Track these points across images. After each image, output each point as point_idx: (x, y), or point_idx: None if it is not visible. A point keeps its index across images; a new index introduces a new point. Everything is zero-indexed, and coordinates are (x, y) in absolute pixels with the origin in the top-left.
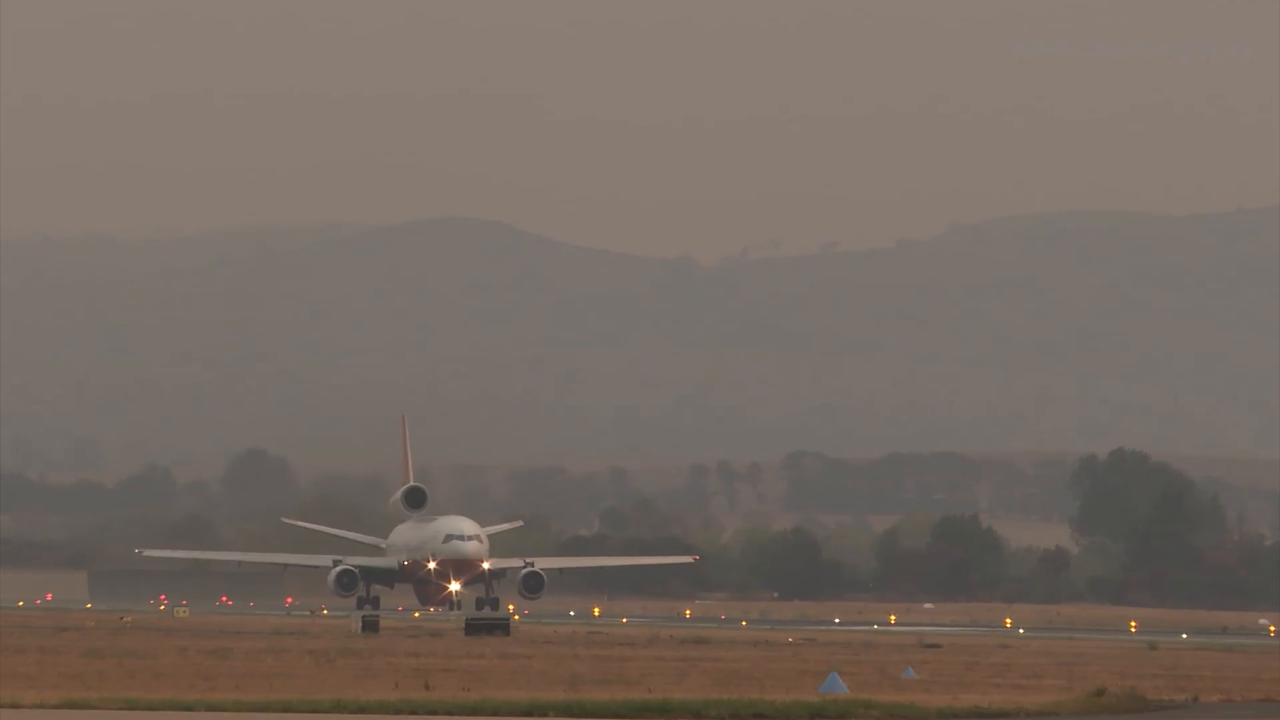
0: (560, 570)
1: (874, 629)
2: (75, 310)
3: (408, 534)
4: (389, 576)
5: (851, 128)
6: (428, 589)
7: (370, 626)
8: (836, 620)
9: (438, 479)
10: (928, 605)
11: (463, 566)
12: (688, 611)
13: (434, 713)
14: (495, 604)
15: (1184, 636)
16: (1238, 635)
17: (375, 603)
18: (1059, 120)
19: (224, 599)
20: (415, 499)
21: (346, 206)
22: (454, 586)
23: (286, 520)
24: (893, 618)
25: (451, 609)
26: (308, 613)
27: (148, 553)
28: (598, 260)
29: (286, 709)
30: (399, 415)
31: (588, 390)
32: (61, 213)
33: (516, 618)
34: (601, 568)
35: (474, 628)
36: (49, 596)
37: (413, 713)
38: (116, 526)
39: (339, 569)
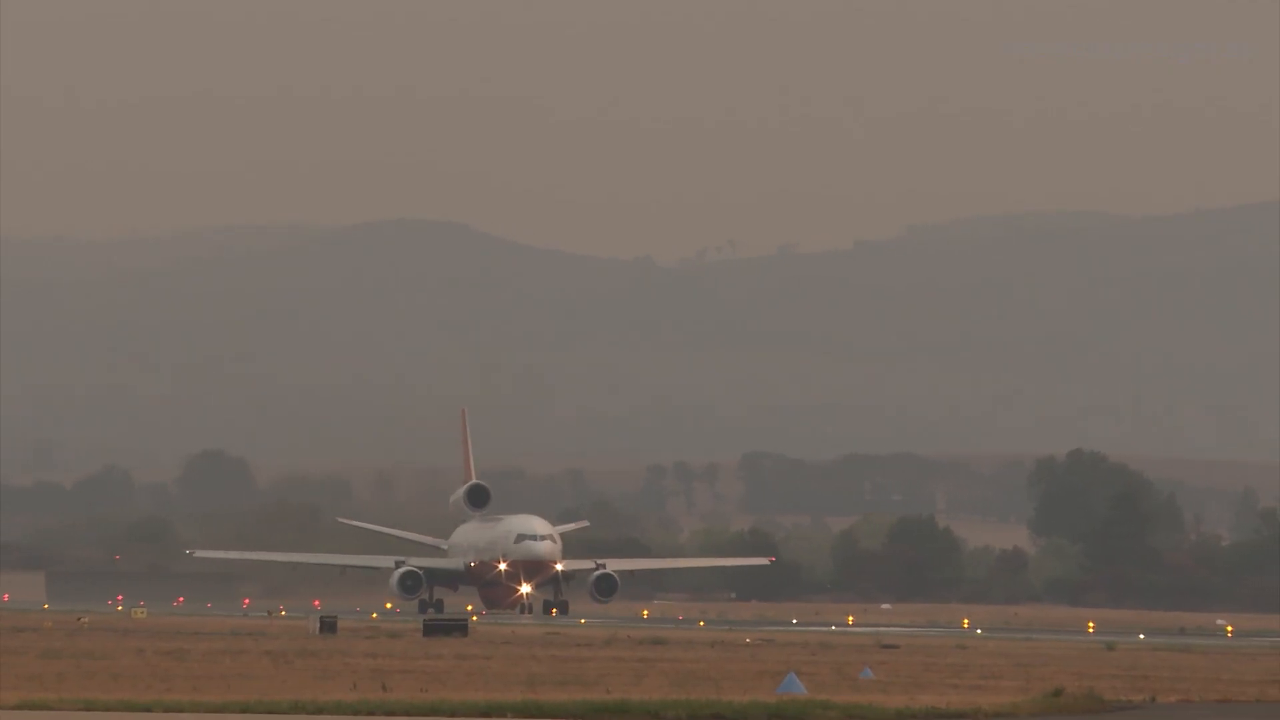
0: (632, 572)
1: (831, 629)
2: (34, 312)
3: (474, 534)
4: (454, 578)
5: (807, 129)
6: (496, 592)
7: (328, 627)
8: (794, 621)
9: (399, 481)
10: (885, 606)
11: (535, 568)
12: (645, 612)
13: (391, 713)
14: (565, 607)
15: (1141, 637)
16: (1195, 636)
17: (439, 606)
18: (1017, 122)
19: (180, 600)
20: (478, 498)
21: (304, 208)
22: (525, 589)
23: (342, 520)
24: (850, 618)
25: (522, 613)
26: (265, 614)
27: (199, 553)
28: (556, 261)
29: (244, 710)
30: (459, 409)
31: (546, 391)
32: (21, 213)
33: (474, 619)
34: (673, 569)
35: (431, 629)
36: (5, 597)
37: (370, 714)
38: (75, 528)
39: (402, 570)
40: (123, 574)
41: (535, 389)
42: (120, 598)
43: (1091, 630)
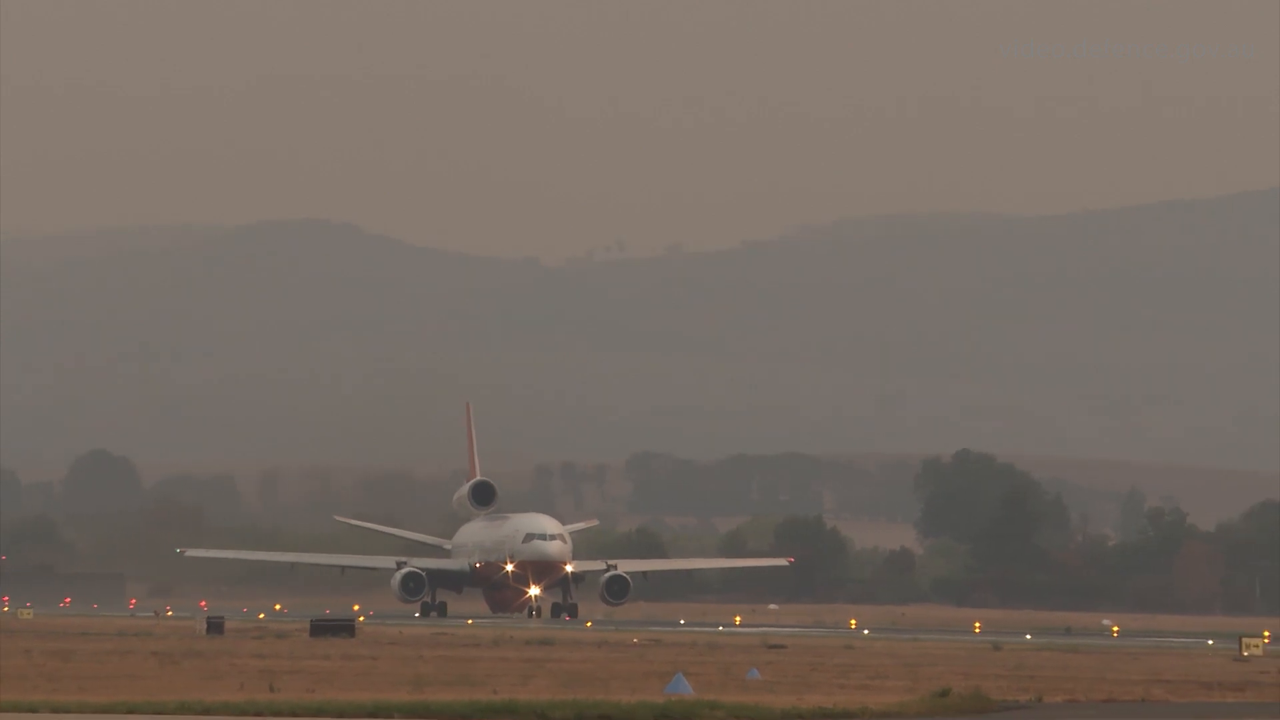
0: (645, 574)
1: (719, 630)
2: None
3: (479, 533)
4: (459, 580)
5: (693, 129)
6: (503, 594)
7: (215, 628)
8: (681, 621)
9: (287, 481)
10: (772, 606)
11: (544, 569)
12: None
13: (279, 714)
14: (574, 610)
15: (1028, 637)
16: (1081, 636)
17: (442, 609)
18: (901, 121)
19: (67, 601)
20: (483, 495)
21: (196, 209)
22: (533, 591)
23: (339, 518)
24: (738, 619)
25: (530, 616)
26: (152, 614)
27: (190, 553)
28: (444, 261)
29: (131, 710)
30: (464, 403)
31: (432, 392)
32: None
33: (361, 619)
34: (691, 570)
35: (319, 629)
36: None
37: (258, 714)
38: None
39: (404, 571)
40: (8, 574)
41: (422, 390)
42: (5, 599)
43: (978, 630)
